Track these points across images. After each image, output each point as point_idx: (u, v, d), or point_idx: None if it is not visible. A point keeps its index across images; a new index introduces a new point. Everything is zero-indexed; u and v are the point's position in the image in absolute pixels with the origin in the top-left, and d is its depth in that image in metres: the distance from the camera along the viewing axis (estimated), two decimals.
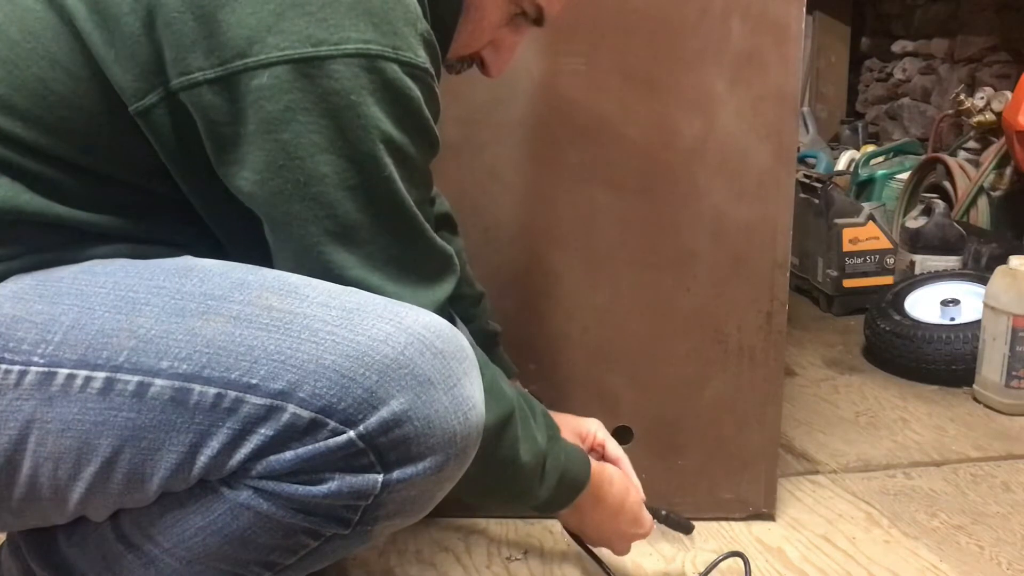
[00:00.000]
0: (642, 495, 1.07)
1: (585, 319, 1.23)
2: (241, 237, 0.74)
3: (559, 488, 0.91)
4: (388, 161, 0.68)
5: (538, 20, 0.85)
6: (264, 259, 0.72)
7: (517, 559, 1.20)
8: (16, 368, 0.65)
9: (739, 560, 1.14)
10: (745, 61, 1.15)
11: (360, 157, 0.67)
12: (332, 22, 0.64)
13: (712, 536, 1.26)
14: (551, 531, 1.26)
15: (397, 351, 0.65)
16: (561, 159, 1.18)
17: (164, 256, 0.72)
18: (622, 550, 1.08)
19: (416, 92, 0.68)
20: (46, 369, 0.65)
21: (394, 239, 0.71)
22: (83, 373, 0.64)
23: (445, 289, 0.77)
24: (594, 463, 0.97)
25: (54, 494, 0.67)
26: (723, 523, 1.29)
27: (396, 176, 0.69)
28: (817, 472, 1.47)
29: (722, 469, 1.28)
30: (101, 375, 0.64)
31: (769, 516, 1.29)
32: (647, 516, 1.06)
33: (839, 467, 1.49)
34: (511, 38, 0.87)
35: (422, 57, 0.69)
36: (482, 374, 0.73)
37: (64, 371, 0.64)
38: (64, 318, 0.66)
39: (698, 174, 1.19)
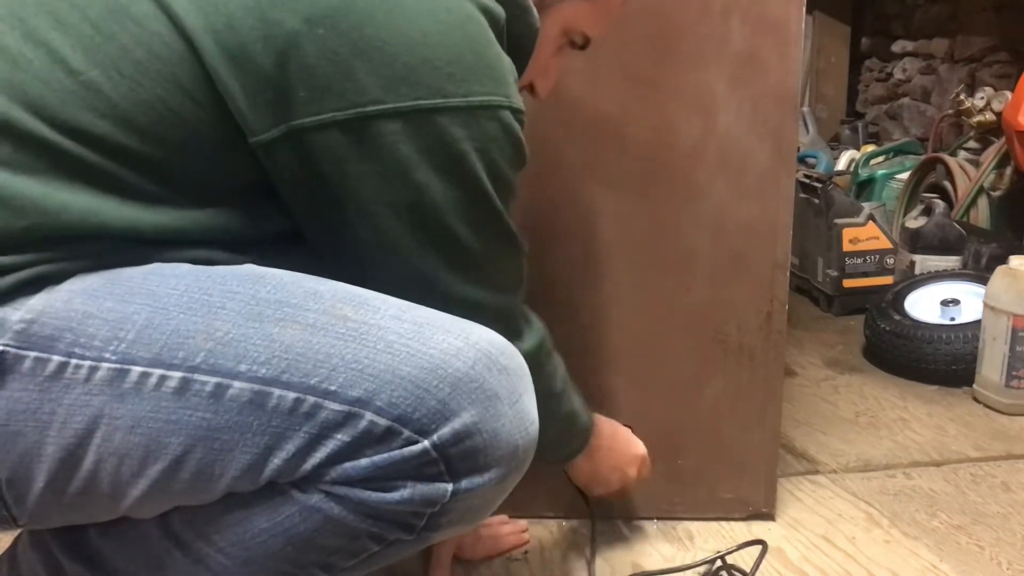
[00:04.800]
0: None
1: (585, 319, 1.23)
2: (333, 250, 0.76)
3: (574, 430, 1.02)
4: (497, 197, 0.75)
5: (584, 46, 0.92)
6: (350, 269, 0.75)
7: (517, 559, 1.20)
8: (87, 363, 0.65)
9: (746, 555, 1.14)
10: (745, 61, 1.15)
11: (480, 195, 0.74)
12: (459, 77, 0.69)
13: (712, 536, 1.26)
14: (551, 531, 1.26)
15: (468, 365, 0.68)
16: (561, 159, 1.18)
17: (224, 263, 0.72)
18: (628, 483, 1.15)
19: (521, 134, 0.76)
20: (118, 366, 0.65)
21: (501, 259, 0.80)
22: (158, 372, 0.65)
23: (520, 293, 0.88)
24: None
25: (113, 490, 0.67)
26: (723, 523, 1.29)
27: (502, 208, 0.77)
28: (817, 472, 1.47)
29: (722, 469, 1.28)
30: (177, 375, 0.65)
31: (769, 516, 1.29)
32: (638, 455, 1.15)
33: (839, 467, 1.49)
34: (558, 62, 0.93)
35: (520, 102, 0.75)
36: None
37: (138, 369, 0.65)
38: (137, 317, 0.66)
39: (698, 174, 1.19)
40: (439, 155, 0.70)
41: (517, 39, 0.79)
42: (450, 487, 0.69)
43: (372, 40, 0.67)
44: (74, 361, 0.65)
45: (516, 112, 0.74)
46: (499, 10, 0.74)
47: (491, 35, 0.72)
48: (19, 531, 0.81)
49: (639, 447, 1.15)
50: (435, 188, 0.71)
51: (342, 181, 0.71)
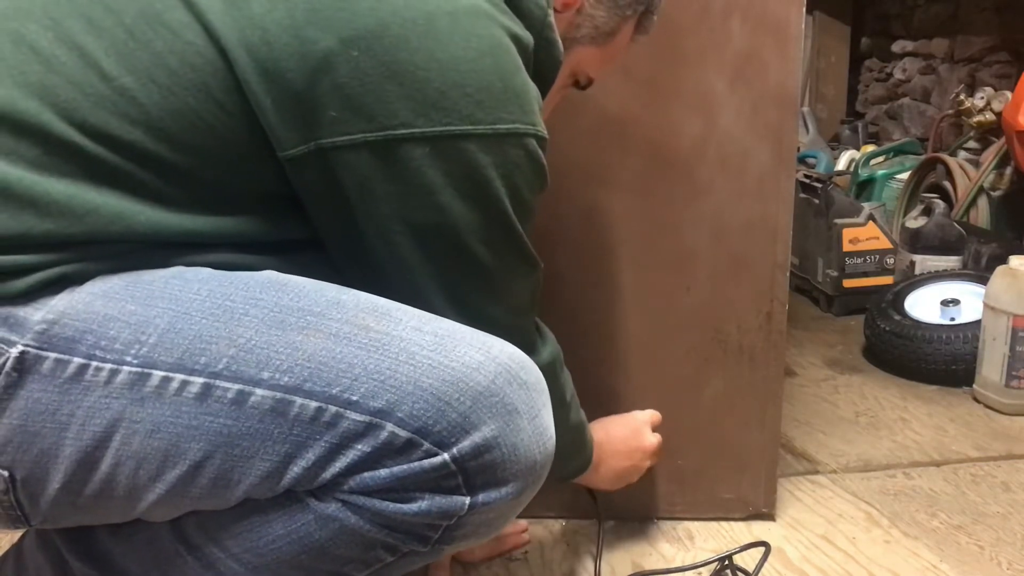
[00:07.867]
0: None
1: (585, 319, 1.23)
2: (353, 262, 0.77)
3: (583, 440, 1.03)
4: (517, 220, 0.77)
5: (586, 87, 0.96)
6: (368, 280, 0.75)
7: (517, 559, 1.20)
8: (107, 366, 0.65)
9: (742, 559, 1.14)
10: (745, 61, 1.15)
11: (501, 219, 0.75)
12: (488, 104, 0.70)
13: (712, 536, 1.26)
14: (551, 531, 1.26)
15: (488, 379, 0.68)
16: (561, 159, 1.18)
17: (245, 267, 0.73)
18: (642, 471, 1.17)
19: (544, 160, 0.77)
20: (139, 370, 0.65)
21: (517, 279, 0.82)
22: (179, 377, 0.65)
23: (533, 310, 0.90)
24: None
25: (129, 493, 0.67)
26: (723, 523, 1.29)
27: (521, 230, 0.78)
28: (817, 472, 1.47)
29: (722, 469, 1.28)
30: (199, 380, 0.65)
31: (769, 516, 1.29)
32: (639, 425, 1.15)
33: (839, 467, 1.49)
34: (558, 98, 0.95)
35: (544, 130, 0.76)
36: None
37: (159, 373, 0.65)
38: (159, 321, 0.66)
39: (698, 174, 1.19)
40: (464, 180, 0.71)
41: (542, 66, 0.80)
42: (467, 500, 0.69)
43: (405, 64, 0.67)
44: (95, 363, 0.65)
45: (540, 139, 0.75)
46: (528, 37, 0.75)
47: (519, 62, 0.73)
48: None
49: (644, 440, 1.14)
50: (457, 211, 0.72)
51: (366, 199, 0.71)
